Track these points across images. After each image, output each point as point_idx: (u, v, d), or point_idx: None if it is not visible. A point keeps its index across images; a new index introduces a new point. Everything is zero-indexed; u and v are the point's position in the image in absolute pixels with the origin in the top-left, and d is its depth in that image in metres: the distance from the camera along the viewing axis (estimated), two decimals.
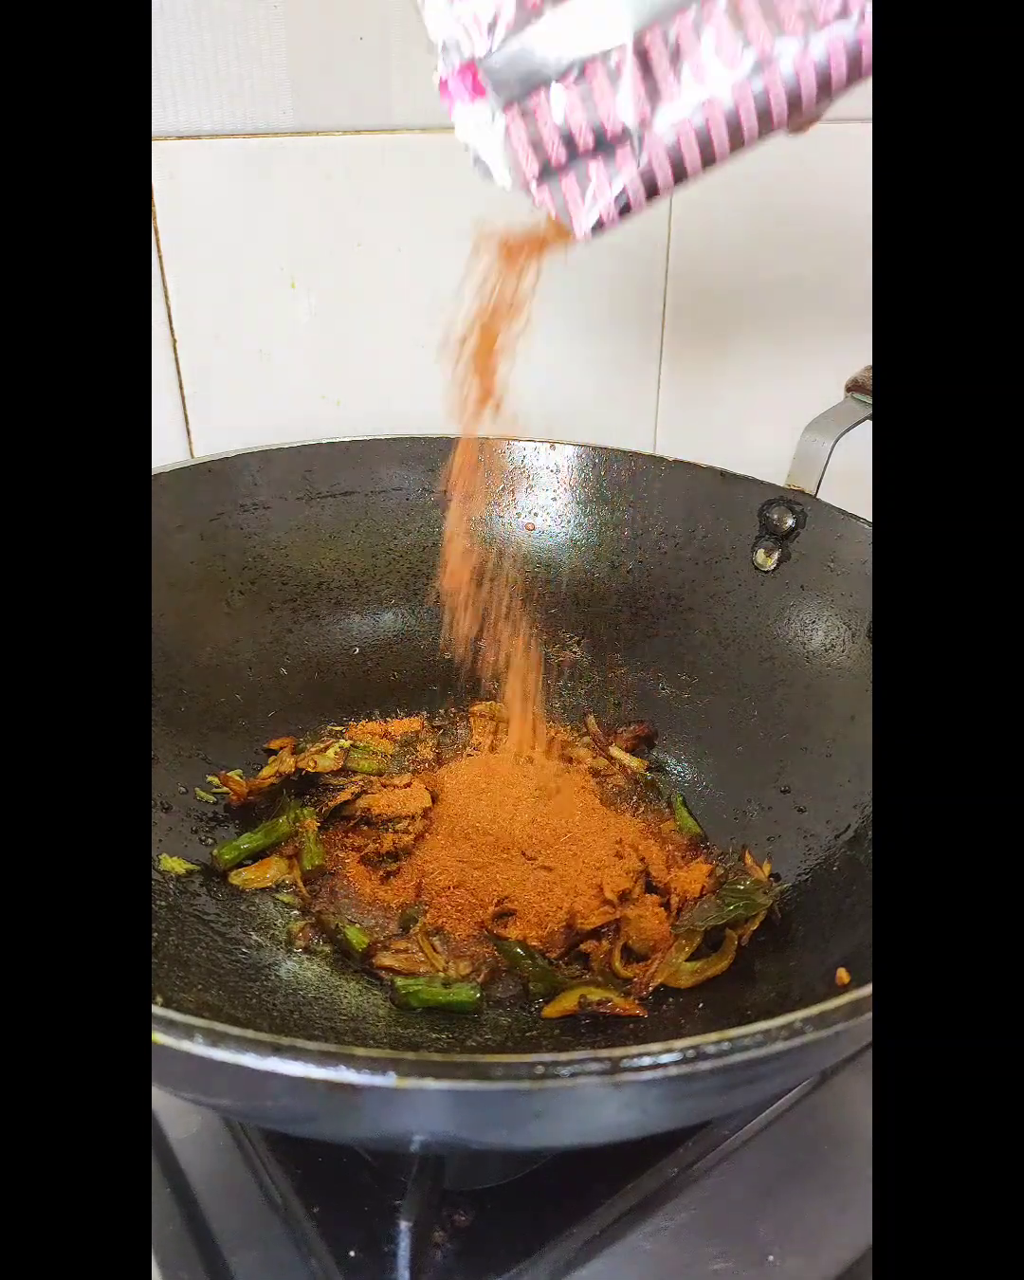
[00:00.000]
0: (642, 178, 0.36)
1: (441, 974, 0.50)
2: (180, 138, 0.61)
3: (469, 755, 0.62)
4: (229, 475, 0.63)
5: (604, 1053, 0.28)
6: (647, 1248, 0.44)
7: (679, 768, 0.63)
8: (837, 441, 0.60)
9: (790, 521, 0.61)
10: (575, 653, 0.68)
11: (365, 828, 0.57)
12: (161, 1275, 0.43)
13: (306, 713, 0.63)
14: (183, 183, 0.61)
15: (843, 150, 0.80)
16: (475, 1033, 0.47)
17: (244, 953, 0.49)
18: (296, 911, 0.53)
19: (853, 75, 0.34)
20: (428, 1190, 0.42)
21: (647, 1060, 0.28)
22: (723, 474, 0.64)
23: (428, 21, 0.36)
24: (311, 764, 0.59)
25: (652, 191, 0.37)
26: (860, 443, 0.58)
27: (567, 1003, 0.48)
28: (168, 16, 0.57)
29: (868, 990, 0.31)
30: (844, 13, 0.33)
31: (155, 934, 0.46)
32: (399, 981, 0.49)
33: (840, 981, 0.42)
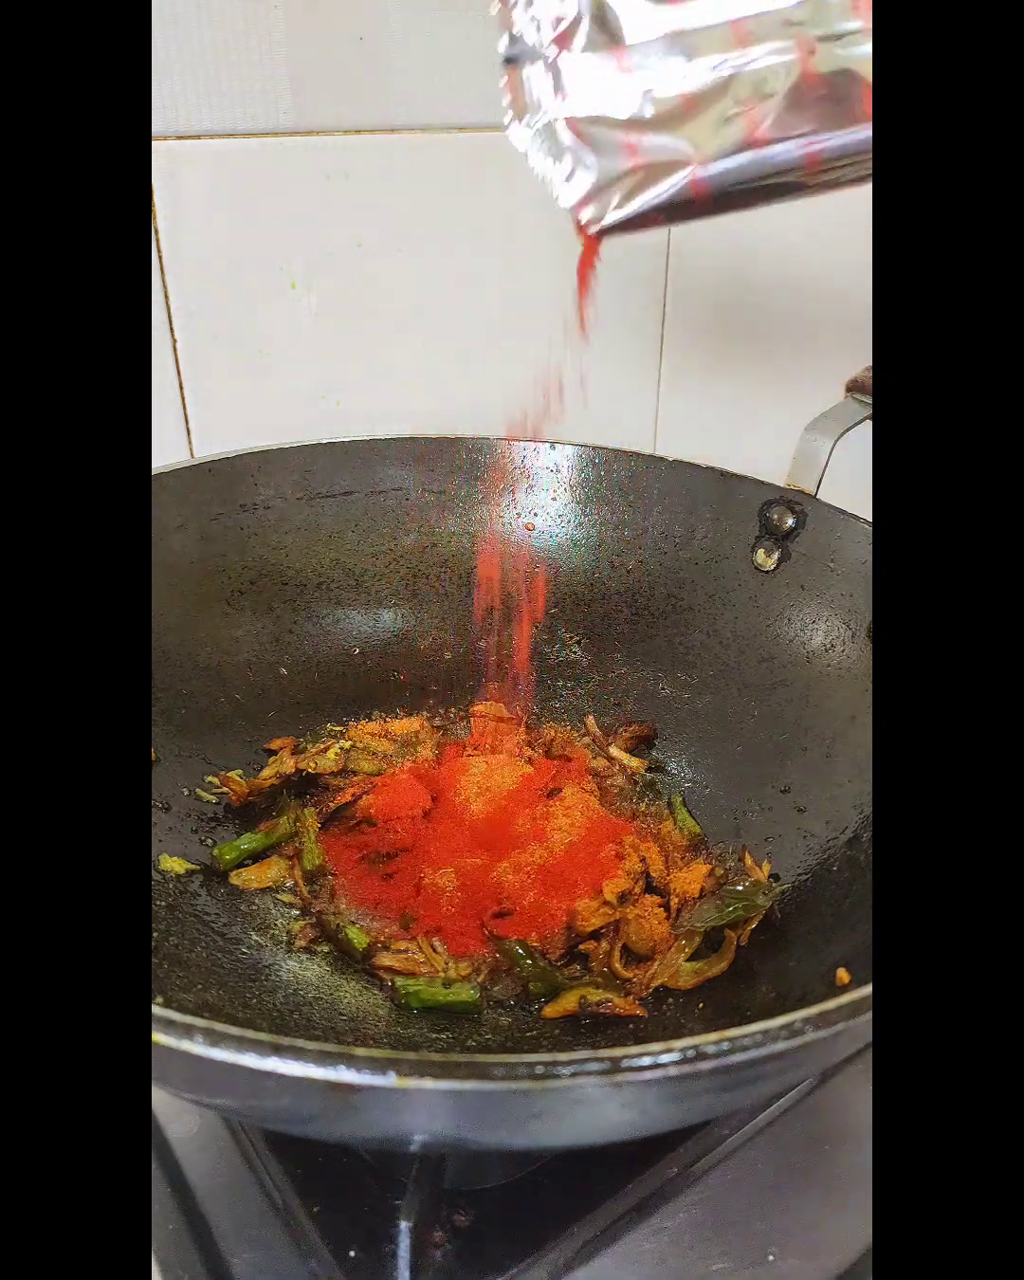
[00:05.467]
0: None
1: (442, 974, 0.50)
2: (180, 138, 0.61)
3: (469, 755, 0.62)
4: (229, 475, 0.63)
5: (604, 1053, 0.28)
6: (647, 1248, 0.44)
7: (679, 768, 0.63)
8: (837, 441, 0.60)
9: (790, 521, 0.61)
10: (575, 653, 0.68)
11: (365, 828, 0.57)
12: (161, 1275, 0.43)
13: (306, 713, 0.63)
14: (183, 183, 0.61)
15: None
16: (475, 1033, 0.47)
17: (244, 953, 0.49)
18: (296, 911, 0.53)
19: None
20: (428, 1190, 0.42)
21: (647, 1060, 0.28)
22: (723, 474, 0.64)
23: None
24: (312, 764, 0.59)
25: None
26: (860, 443, 0.58)
27: (567, 1003, 0.48)
28: (167, 16, 0.57)
29: (868, 990, 0.31)
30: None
31: (155, 934, 0.46)
32: (399, 981, 0.49)
33: (840, 981, 0.42)
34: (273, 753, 0.60)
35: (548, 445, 0.68)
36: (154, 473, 0.60)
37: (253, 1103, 0.33)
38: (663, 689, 0.65)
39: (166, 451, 0.68)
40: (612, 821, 0.58)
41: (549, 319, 0.76)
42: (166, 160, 0.61)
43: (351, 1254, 0.42)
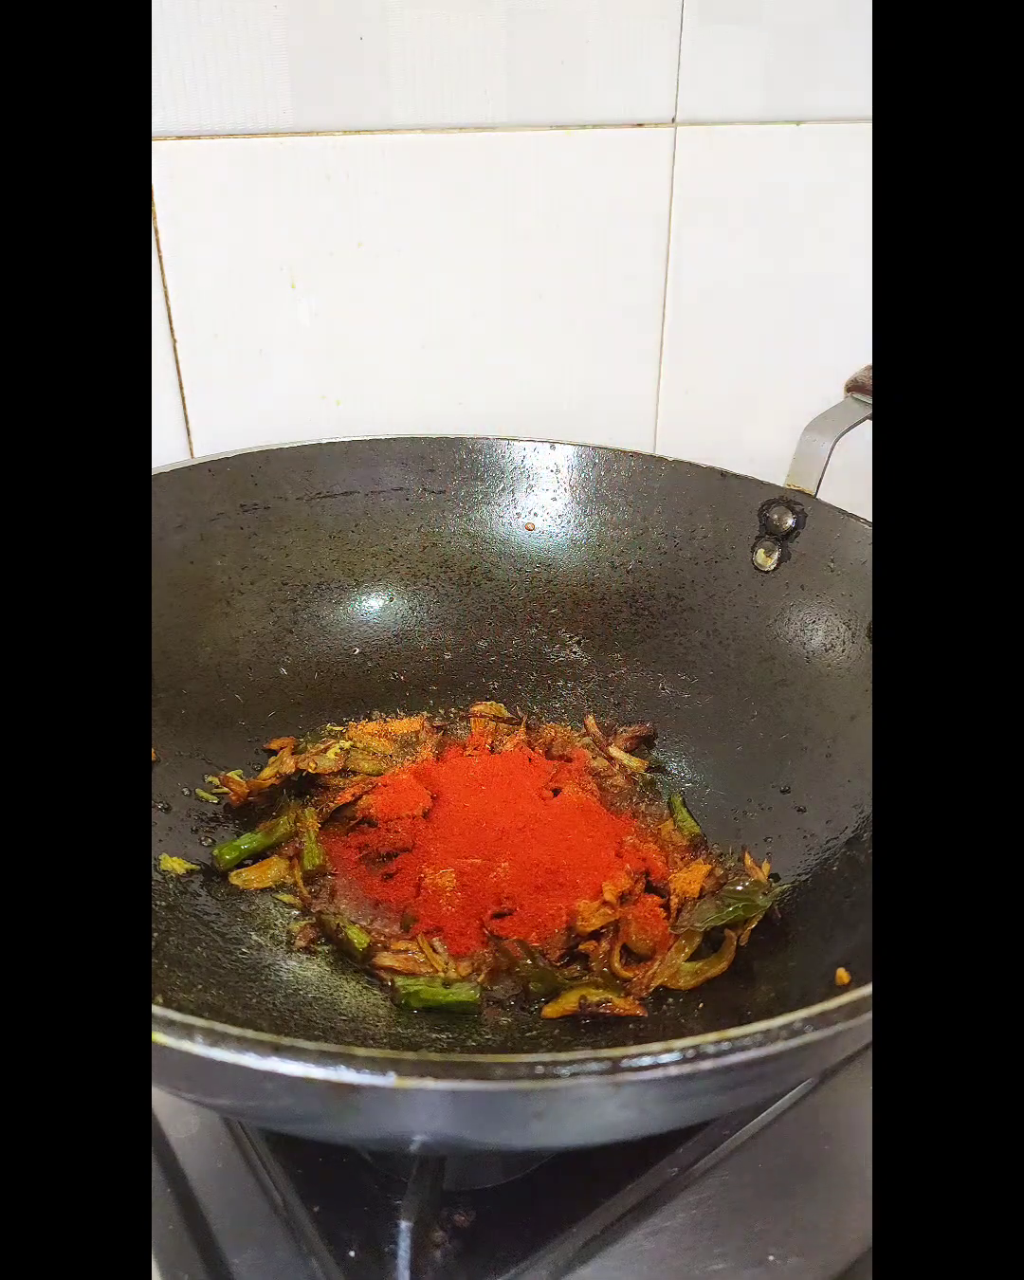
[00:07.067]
0: None
1: (441, 974, 0.50)
2: (180, 138, 0.60)
3: (469, 755, 0.62)
4: (229, 475, 0.63)
5: (604, 1053, 0.28)
6: (647, 1248, 0.44)
7: (679, 768, 0.63)
8: (837, 441, 0.60)
9: (790, 521, 0.61)
10: (575, 653, 0.68)
11: (365, 828, 0.57)
12: (161, 1275, 0.43)
13: (306, 713, 0.63)
14: (183, 183, 0.61)
15: (843, 149, 0.80)
16: (475, 1033, 0.47)
17: (244, 953, 0.49)
18: (296, 911, 0.53)
19: None
20: (428, 1190, 0.42)
21: (647, 1060, 0.28)
22: (723, 474, 0.64)
23: None
24: (312, 764, 0.59)
25: None
26: (860, 443, 0.58)
27: (567, 1003, 0.48)
28: (167, 16, 0.57)
29: (868, 990, 0.31)
30: None
31: (155, 934, 0.46)
32: (399, 981, 0.49)
33: (840, 981, 0.42)
34: (273, 753, 0.60)
35: (548, 445, 0.68)
36: (154, 473, 0.60)
37: (253, 1103, 0.33)
38: (663, 689, 0.65)
39: (166, 451, 0.68)
40: (612, 821, 0.58)
41: (548, 318, 0.77)
42: (166, 160, 0.61)
43: (351, 1254, 0.42)
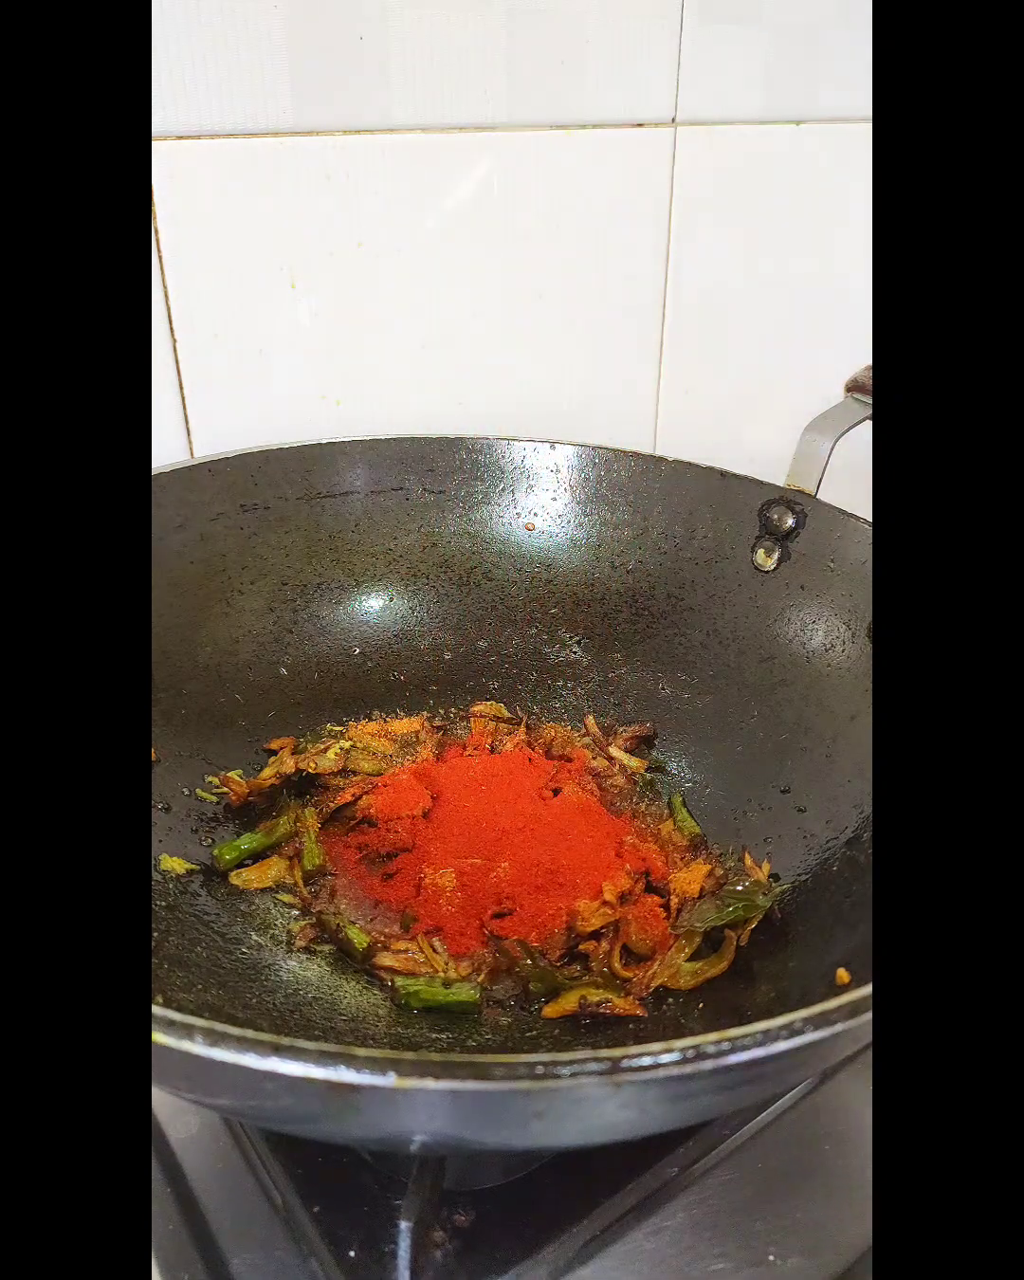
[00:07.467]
0: None
1: (441, 974, 0.50)
2: (180, 138, 0.60)
3: (469, 755, 0.62)
4: (229, 475, 0.63)
5: (604, 1053, 0.28)
6: (647, 1248, 0.44)
7: (679, 768, 0.63)
8: (837, 441, 0.60)
9: (790, 521, 0.61)
10: (575, 653, 0.68)
11: (365, 828, 0.57)
12: (161, 1275, 0.43)
13: (306, 713, 0.63)
14: (183, 183, 0.61)
15: (843, 149, 0.80)
16: (475, 1033, 0.47)
17: (244, 953, 0.49)
18: (296, 911, 0.53)
19: None
20: (428, 1190, 0.42)
21: (647, 1060, 0.28)
22: (723, 474, 0.64)
23: None
24: (312, 764, 0.59)
25: None
26: (860, 443, 0.58)
27: (567, 1003, 0.48)
28: (167, 16, 0.57)
29: (868, 990, 0.31)
30: None
31: (155, 934, 0.46)
32: (399, 981, 0.49)
33: (840, 981, 0.42)
34: (273, 753, 0.60)
35: (548, 445, 0.68)
36: (154, 473, 0.60)
37: (253, 1103, 0.33)
38: (663, 689, 0.65)
39: (166, 451, 0.68)
40: (612, 821, 0.58)
41: (548, 318, 0.77)
42: (166, 160, 0.61)
43: (351, 1254, 0.42)
